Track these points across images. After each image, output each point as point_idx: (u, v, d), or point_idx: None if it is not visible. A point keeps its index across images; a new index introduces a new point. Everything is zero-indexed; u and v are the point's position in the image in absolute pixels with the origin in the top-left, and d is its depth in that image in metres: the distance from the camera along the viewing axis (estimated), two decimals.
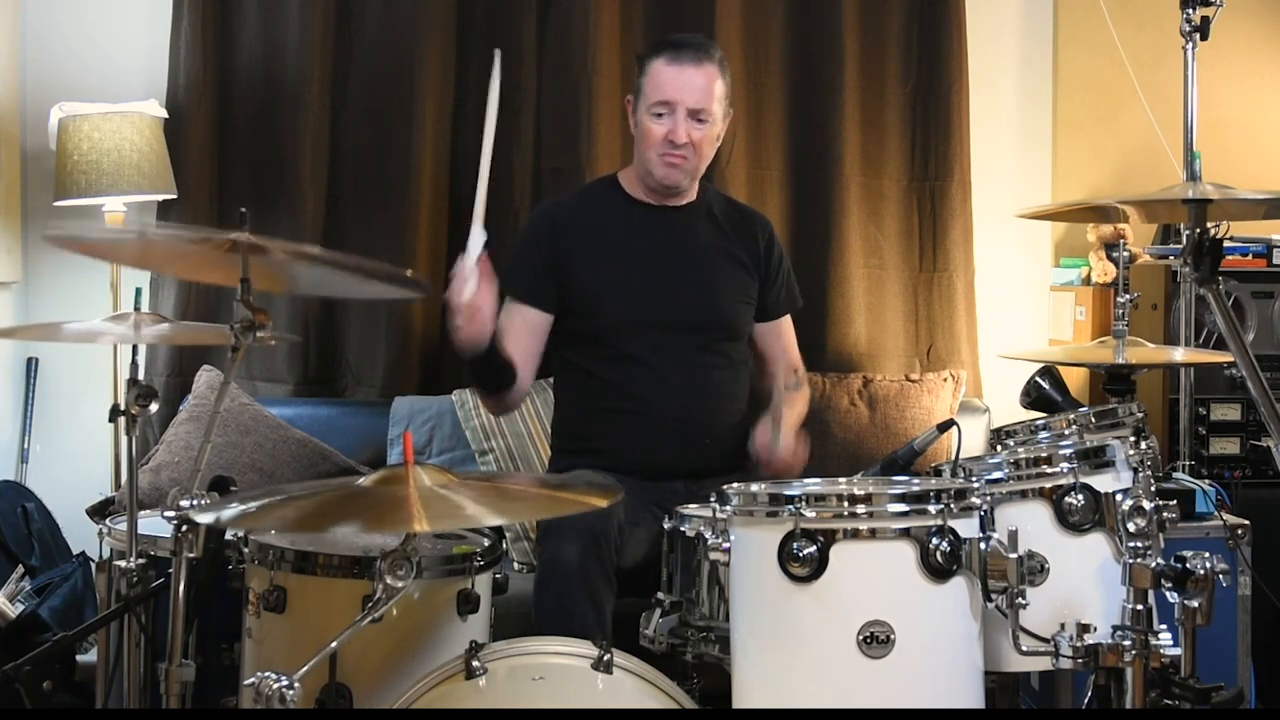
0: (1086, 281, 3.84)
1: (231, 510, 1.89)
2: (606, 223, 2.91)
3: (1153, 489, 1.93)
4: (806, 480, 2.11)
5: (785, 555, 1.83)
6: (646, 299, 2.86)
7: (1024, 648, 1.90)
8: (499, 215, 3.78)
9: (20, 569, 3.23)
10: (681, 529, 2.20)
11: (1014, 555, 1.84)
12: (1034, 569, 1.90)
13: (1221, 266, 1.96)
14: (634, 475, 2.71)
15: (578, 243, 2.88)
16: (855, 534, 1.85)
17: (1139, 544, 1.90)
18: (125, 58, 3.79)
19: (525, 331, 2.85)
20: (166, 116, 3.60)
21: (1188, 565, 1.90)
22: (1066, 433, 2.21)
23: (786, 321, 3.09)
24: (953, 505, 1.86)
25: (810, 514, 1.85)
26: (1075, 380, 3.56)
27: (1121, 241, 3.50)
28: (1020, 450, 2.16)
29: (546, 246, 2.88)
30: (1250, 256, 3.63)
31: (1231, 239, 3.52)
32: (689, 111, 2.79)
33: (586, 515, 2.48)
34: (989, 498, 1.97)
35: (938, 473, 2.16)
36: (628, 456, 2.79)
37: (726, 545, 1.95)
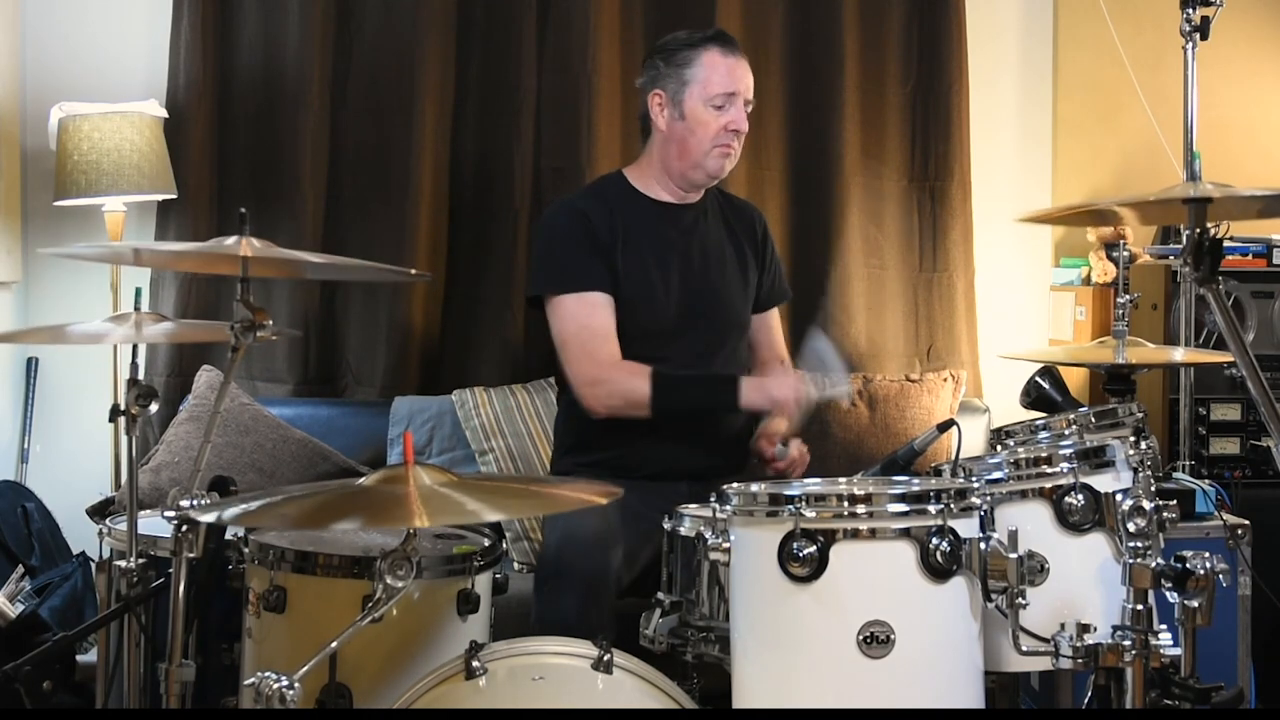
0: (1086, 281, 3.84)
1: (232, 510, 1.89)
2: (627, 221, 2.88)
3: (1153, 489, 1.93)
4: (806, 480, 2.11)
5: (785, 555, 1.83)
6: (666, 299, 2.86)
7: (1024, 648, 1.90)
8: (499, 215, 3.80)
9: (20, 569, 3.23)
10: (681, 529, 2.21)
11: (1014, 555, 1.84)
12: (1034, 569, 1.90)
13: (1221, 266, 1.95)
14: (640, 478, 2.71)
15: (606, 235, 2.85)
16: (855, 534, 1.84)
17: (1139, 544, 1.89)
18: (125, 58, 3.79)
19: (614, 320, 2.81)
20: (166, 116, 3.60)
21: (1188, 565, 1.90)
22: (1066, 433, 2.20)
23: (775, 313, 3.10)
24: (953, 505, 1.86)
25: (810, 514, 1.85)
26: (1075, 380, 3.56)
27: (1121, 241, 3.51)
28: (1020, 450, 2.16)
29: (589, 236, 2.83)
30: (1250, 256, 3.63)
31: (1231, 239, 3.52)
32: (744, 101, 2.85)
33: (585, 563, 2.51)
34: (989, 498, 1.97)
35: (938, 473, 2.16)
36: (637, 456, 2.79)
37: (726, 545, 1.95)
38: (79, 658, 2.22)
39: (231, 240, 2.00)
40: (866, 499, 1.86)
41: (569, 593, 2.49)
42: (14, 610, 2.98)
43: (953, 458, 2.18)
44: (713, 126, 2.82)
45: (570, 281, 2.82)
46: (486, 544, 2.21)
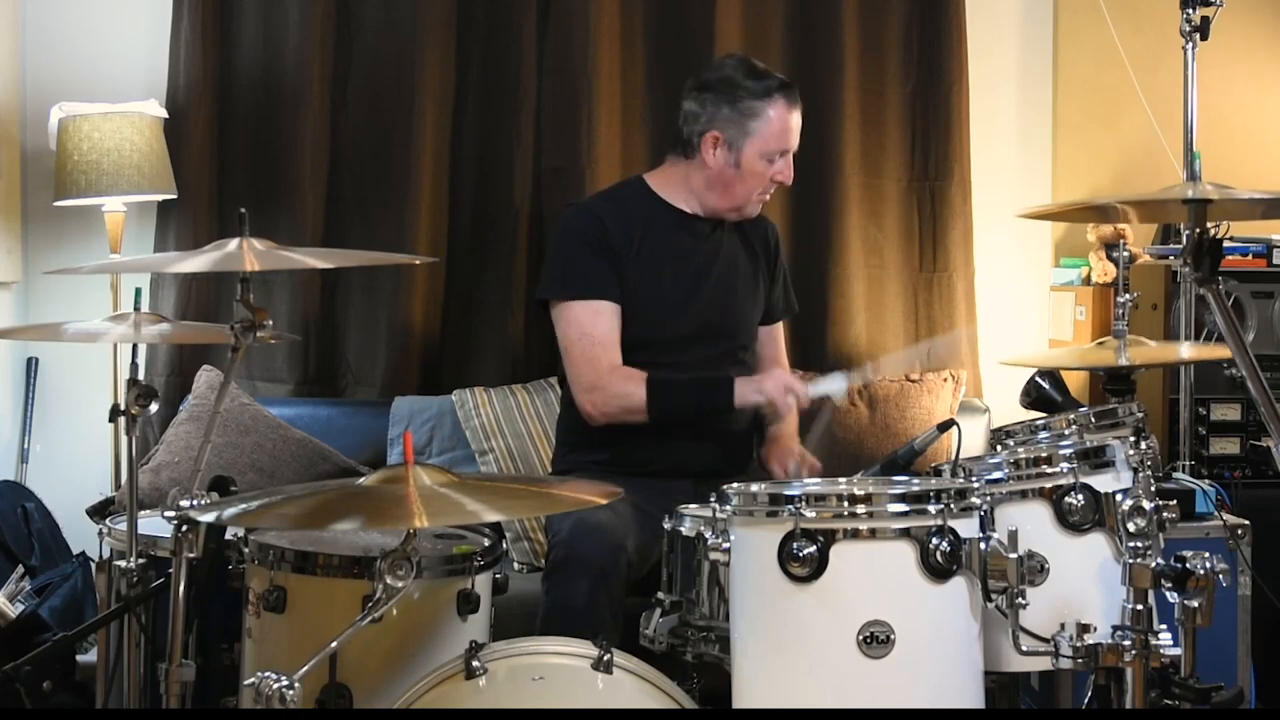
0: (1086, 281, 3.84)
1: (232, 510, 1.89)
2: (646, 228, 2.89)
3: (1153, 489, 1.93)
4: (806, 480, 2.11)
5: (785, 555, 1.83)
6: (680, 308, 2.87)
7: (1024, 648, 1.91)
8: (499, 215, 3.80)
9: (20, 569, 3.23)
10: (681, 529, 2.21)
11: (1014, 555, 1.85)
12: (1034, 569, 1.90)
13: (1221, 266, 1.95)
14: (643, 475, 2.72)
15: (621, 243, 2.85)
16: (855, 534, 1.85)
17: (1139, 544, 1.90)
18: (125, 58, 3.78)
19: (619, 328, 2.82)
20: (166, 116, 3.60)
21: (1188, 565, 1.91)
22: (1066, 433, 2.21)
23: (779, 327, 3.11)
24: (953, 505, 1.86)
25: (810, 514, 1.85)
26: (1075, 380, 3.55)
27: (1121, 241, 3.50)
28: (1020, 450, 2.16)
29: (602, 243, 2.84)
30: (1250, 256, 3.63)
31: (1231, 239, 3.52)
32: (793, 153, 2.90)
33: (596, 551, 2.51)
34: (989, 498, 1.97)
35: (938, 473, 2.16)
36: (640, 454, 2.80)
37: (726, 545, 1.95)
38: (79, 658, 2.23)
39: (233, 243, 2.00)
40: (866, 499, 1.86)
41: (579, 579, 2.48)
42: (14, 610, 2.98)
43: (953, 458, 2.18)
44: (762, 178, 2.86)
45: (577, 287, 2.82)
46: (486, 544, 2.21)
